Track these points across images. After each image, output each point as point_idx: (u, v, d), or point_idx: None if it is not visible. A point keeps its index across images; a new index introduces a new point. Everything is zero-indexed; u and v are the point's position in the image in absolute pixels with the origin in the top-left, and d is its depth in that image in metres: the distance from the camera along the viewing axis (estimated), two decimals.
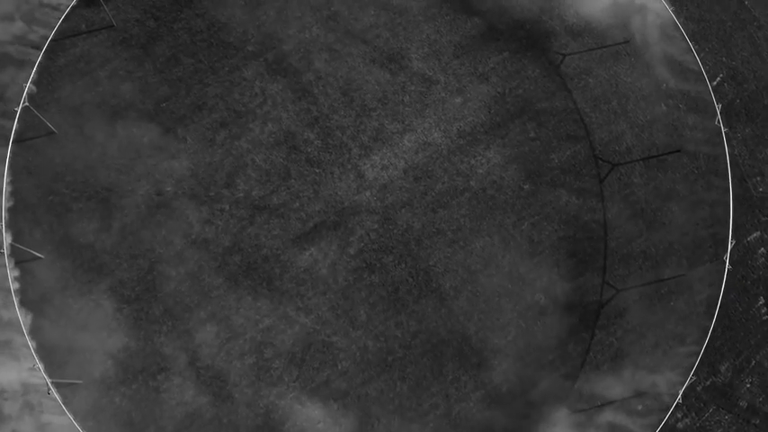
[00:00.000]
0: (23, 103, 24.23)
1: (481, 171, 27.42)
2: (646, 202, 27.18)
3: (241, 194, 26.70)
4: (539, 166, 27.56)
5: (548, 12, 28.86)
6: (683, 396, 24.13)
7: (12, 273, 24.28)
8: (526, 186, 27.32)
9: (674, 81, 28.33)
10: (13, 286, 23.92)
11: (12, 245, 24.44)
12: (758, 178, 27.27)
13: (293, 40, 28.46)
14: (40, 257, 25.16)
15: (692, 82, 28.03)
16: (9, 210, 25.12)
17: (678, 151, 27.30)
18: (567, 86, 28.44)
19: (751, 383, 25.59)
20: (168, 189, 26.44)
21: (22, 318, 23.80)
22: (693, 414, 25.30)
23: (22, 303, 24.38)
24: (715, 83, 26.91)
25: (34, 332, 24.37)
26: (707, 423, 25.35)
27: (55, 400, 22.95)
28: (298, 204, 26.81)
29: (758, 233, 26.84)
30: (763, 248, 26.70)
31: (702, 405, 25.37)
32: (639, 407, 24.76)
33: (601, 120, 28.11)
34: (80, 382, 24.18)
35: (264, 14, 28.67)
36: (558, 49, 28.81)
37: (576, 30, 28.97)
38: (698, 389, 25.52)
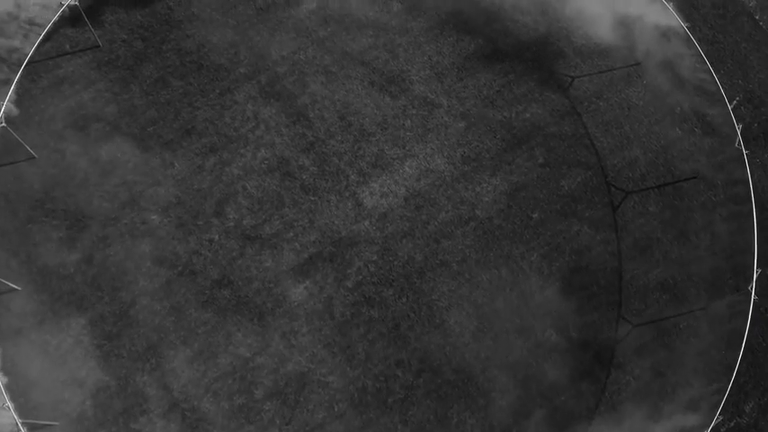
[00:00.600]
0: (0, 123, 24.18)
1: (487, 199, 27.30)
2: (662, 231, 27.03)
3: (231, 224, 26.50)
4: (548, 194, 27.47)
5: (555, 33, 29.12)
6: None
7: None
8: (535, 215, 27.17)
9: (688, 104, 28.43)
10: None
11: None
12: None
13: (287, 62, 28.59)
14: (16, 289, 24.83)
15: (707, 105, 28.13)
16: None
17: (695, 177, 27.23)
18: (577, 110, 28.51)
19: None
20: (154, 218, 26.24)
21: None
22: None
23: None
24: (731, 106, 27.01)
25: (7, 368, 23.90)
26: None
27: None
28: (292, 234, 26.60)
29: None
30: None
31: None
32: None
33: (613, 145, 28.11)
34: (56, 423, 23.65)
35: (257, 35, 28.86)
36: (566, 71, 28.96)
37: (584, 51, 29.19)
38: (721, 431, 25.09)
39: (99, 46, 27.71)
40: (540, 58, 28.98)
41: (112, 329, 24.97)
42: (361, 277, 26.02)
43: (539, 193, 27.47)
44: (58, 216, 25.79)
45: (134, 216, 26.17)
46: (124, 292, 25.32)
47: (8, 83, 25.44)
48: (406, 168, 27.54)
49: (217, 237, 26.16)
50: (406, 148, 27.76)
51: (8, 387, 23.17)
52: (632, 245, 26.68)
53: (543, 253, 26.59)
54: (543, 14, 28.88)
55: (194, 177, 26.91)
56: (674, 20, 26.39)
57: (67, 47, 27.85)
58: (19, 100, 26.33)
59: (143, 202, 26.37)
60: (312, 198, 26.94)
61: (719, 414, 23.71)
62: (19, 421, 22.08)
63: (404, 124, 28.08)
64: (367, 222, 26.74)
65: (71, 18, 28.03)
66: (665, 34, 28.30)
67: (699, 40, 28.94)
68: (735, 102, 27.29)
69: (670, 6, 26.33)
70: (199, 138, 27.43)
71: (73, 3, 25.04)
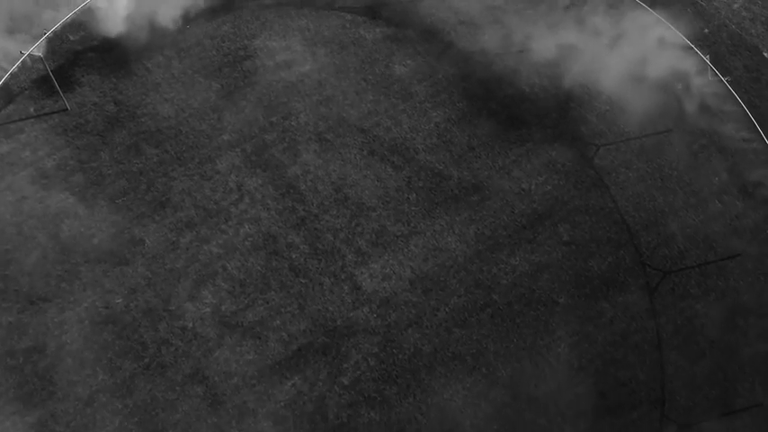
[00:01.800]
0: None
1: (505, 282, 26.65)
2: (707, 316, 26.26)
3: (208, 309, 25.68)
4: (575, 276, 26.81)
5: (576, 98, 29.29)
6: None
7: None
8: (561, 300, 26.45)
9: (727, 174, 28.20)
10: None
11: None
12: None
13: (277, 129, 28.60)
14: None
15: (749, 173, 27.94)
16: None
17: (739, 255, 26.73)
18: (604, 182, 28.32)
19: None
20: (119, 301, 25.47)
21: None
22: None
23: None
24: None
25: None
26: None
27: None
28: (278, 322, 25.74)
29: None
30: None
31: None
32: None
33: (646, 220, 27.76)
34: None
35: (243, 100, 28.98)
36: (590, 138, 28.93)
37: (609, 117, 29.29)
38: None
39: (67, 109, 27.73)
40: (561, 124, 29.01)
41: (65, 431, 23.64)
42: (359, 373, 25.00)
43: (564, 274, 26.80)
44: (9, 298, 25.01)
45: (96, 299, 25.36)
46: (81, 387, 24.20)
47: None
48: (412, 247, 27.00)
49: (191, 324, 25.30)
50: (412, 224, 27.30)
51: None
52: (674, 332, 25.84)
53: (572, 343, 25.67)
54: (562, 78, 29.01)
55: (167, 256, 26.30)
56: (709, 77, 26.50)
57: (32, 110, 27.89)
58: None
59: (107, 283, 25.64)
60: (302, 280, 26.24)
61: None
62: None
63: (408, 198, 27.75)
64: (366, 309, 25.96)
65: (38, 79, 28.20)
66: (700, 94, 28.35)
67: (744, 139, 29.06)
68: None
69: (707, 58, 26.45)
70: (174, 211, 27.00)
71: (36, 54, 25.13)
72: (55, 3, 26.83)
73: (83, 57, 28.40)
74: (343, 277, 26.33)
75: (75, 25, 27.72)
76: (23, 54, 24.57)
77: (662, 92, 28.90)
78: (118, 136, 27.60)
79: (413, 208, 27.53)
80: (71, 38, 28.84)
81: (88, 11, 26.94)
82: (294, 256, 26.54)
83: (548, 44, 28.84)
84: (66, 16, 25.91)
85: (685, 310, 26.46)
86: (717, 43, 27.32)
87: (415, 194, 27.72)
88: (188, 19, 29.24)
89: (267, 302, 25.89)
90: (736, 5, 30.99)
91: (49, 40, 28.31)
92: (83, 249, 25.93)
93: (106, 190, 26.85)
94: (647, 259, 27.15)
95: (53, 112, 27.67)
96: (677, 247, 27.34)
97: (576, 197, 28.00)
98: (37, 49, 24.92)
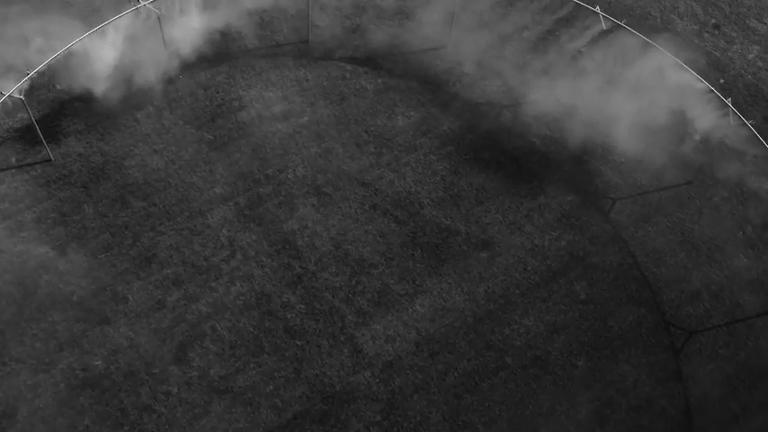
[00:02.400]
0: None
1: (519, 344, 25.62)
2: (737, 378, 25.25)
3: (195, 373, 24.45)
4: (594, 337, 25.79)
5: (589, 150, 28.77)
6: None
7: None
8: (580, 363, 25.36)
9: (752, 227, 27.48)
10: None
11: None
12: None
13: (272, 182, 27.95)
14: None
15: None
16: None
17: None
18: (622, 236, 27.60)
19: None
20: (98, 363, 24.27)
21: None
22: None
23: None
24: None
25: None
26: None
27: None
28: (272, 387, 24.52)
29: None
30: None
31: None
32: None
33: (668, 276, 26.93)
34: None
35: (238, 151, 28.42)
36: (605, 192, 28.32)
37: (625, 169, 28.76)
38: None
39: (50, 160, 27.12)
40: (574, 177, 28.44)
41: None
42: None
43: (583, 335, 25.82)
44: None
45: (73, 361, 24.17)
46: None
47: None
48: (417, 307, 26.02)
49: (176, 389, 24.04)
50: (417, 282, 26.38)
51: None
52: (702, 396, 24.77)
53: (593, 409, 24.53)
54: (574, 129, 28.57)
55: (152, 315, 25.25)
56: (731, 121, 25.99)
57: (13, 160, 27.28)
58: None
59: (86, 343, 24.53)
60: (298, 343, 25.14)
61: None
62: None
63: (413, 254, 26.94)
64: (368, 373, 24.83)
65: (21, 128, 27.71)
66: (722, 142, 27.90)
67: (755, 156, 28.57)
68: None
69: (729, 102, 25.96)
70: (160, 268, 26.08)
71: (17, 96, 24.59)
72: (41, 45, 26.35)
73: (69, 106, 27.90)
74: (342, 339, 25.25)
75: (61, 72, 27.13)
76: (4, 95, 23.97)
77: (680, 141, 28.39)
78: (103, 188, 26.85)
79: (418, 265, 26.65)
80: (57, 87, 28.25)
81: (74, 57, 26.45)
82: (290, 317, 25.53)
83: (558, 94, 28.49)
84: (51, 57, 25.39)
85: (714, 373, 25.44)
86: (734, 93, 26.91)
87: (420, 251, 26.87)
88: (180, 69, 28.74)
89: (260, 366, 24.72)
90: (750, 56, 30.86)
91: (34, 88, 27.89)
92: (61, 307, 24.86)
93: (88, 244, 25.90)
94: (671, 318, 26.19)
95: (35, 163, 27.03)
96: (702, 306, 26.44)
97: (592, 253, 27.17)
98: (18, 91, 24.33)
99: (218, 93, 29.36)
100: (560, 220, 27.78)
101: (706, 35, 31.72)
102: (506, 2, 31.29)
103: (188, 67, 29.52)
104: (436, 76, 30.33)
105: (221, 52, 30.16)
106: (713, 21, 32.09)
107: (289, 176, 28.09)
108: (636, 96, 27.94)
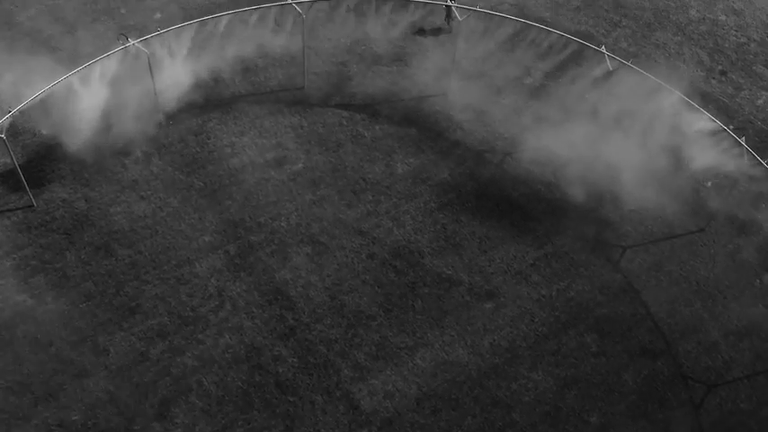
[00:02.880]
0: None
1: (528, 399, 24.45)
2: None
3: (179, 430, 23.19)
4: (608, 392, 24.65)
5: (596, 198, 28.03)
6: None
7: None
8: (593, 419, 24.19)
9: None
10: None
11: None
12: None
13: (265, 230, 27.13)
14: None
15: None
16: None
17: None
18: (634, 286, 26.63)
19: None
20: (75, 418, 23.03)
21: None
22: None
23: None
24: None
25: None
26: None
27: None
28: None
29: None
30: None
31: None
32: None
33: (683, 327, 25.94)
34: None
35: (229, 199, 27.69)
36: (615, 240, 27.49)
37: (635, 217, 27.99)
38: None
39: (33, 206, 26.35)
40: (582, 225, 27.65)
41: None
42: None
43: (595, 390, 24.65)
44: None
45: (48, 416, 22.96)
46: None
47: None
48: (418, 361, 24.92)
49: None
50: (417, 334, 25.33)
51: None
52: None
53: None
54: (581, 175, 27.88)
55: (134, 368, 24.12)
56: (745, 161, 25.31)
57: None
58: None
59: (63, 397, 23.31)
60: (290, 398, 23.96)
61: None
62: None
63: (413, 305, 25.95)
64: (366, 431, 23.38)
65: (4, 173, 27.07)
66: (735, 186, 27.22)
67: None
68: None
69: (743, 140, 25.31)
70: (144, 318, 25.05)
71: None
72: (24, 86, 25.86)
73: (53, 151, 27.32)
74: (338, 395, 24.08)
75: (46, 114, 26.59)
76: None
77: (692, 185, 27.71)
78: (87, 235, 26.01)
79: (418, 317, 25.63)
80: (44, 132, 27.70)
81: (59, 99, 25.94)
82: (281, 371, 24.39)
83: (564, 140, 27.87)
84: (34, 96, 24.85)
85: (736, 428, 24.22)
86: (745, 139, 26.36)
87: (420, 302, 25.88)
88: (170, 114, 28.22)
89: (248, 423, 23.53)
90: (759, 101, 30.51)
91: (18, 132, 27.34)
92: (37, 359, 23.79)
93: (69, 293, 24.95)
94: (689, 371, 25.03)
95: (18, 209, 26.26)
96: (721, 357, 25.39)
97: (602, 304, 26.22)
98: None
99: (209, 139, 28.76)
100: (568, 270, 26.86)
101: (713, 81, 31.36)
102: (508, 46, 30.89)
103: (179, 112, 28.94)
104: (436, 123, 29.81)
105: (213, 98, 29.71)
106: (720, 67, 31.80)
107: (282, 224, 27.26)
108: (645, 139, 27.33)
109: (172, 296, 25.41)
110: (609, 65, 26.76)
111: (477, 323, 25.67)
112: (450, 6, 29.13)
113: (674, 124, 26.25)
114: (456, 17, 28.36)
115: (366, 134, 29.19)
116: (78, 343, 24.31)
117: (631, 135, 27.52)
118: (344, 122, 29.46)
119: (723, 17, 33.10)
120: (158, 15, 30.99)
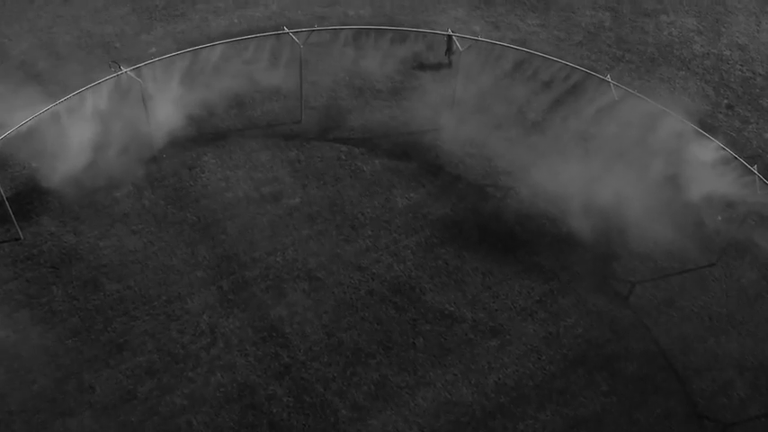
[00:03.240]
0: None
1: None
2: None
3: None
4: None
5: (605, 232, 27.41)
6: None
7: None
8: None
9: None
10: None
11: None
12: None
13: (259, 266, 26.46)
14: None
15: None
16: None
17: None
18: (644, 323, 25.87)
19: None
20: None
21: None
22: None
23: None
24: None
25: None
26: None
27: None
28: None
29: None
30: None
31: None
32: None
33: (697, 364, 25.12)
34: None
35: (223, 233, 27.08)
36: (623, 275, 26.81)
37: (643, 252, 27.33)
38: None
39: (20, 239, 25.74)
40: (589, 261, 26.97)
41: None
42: None
43: (606, 430, 23.91)
44: None
45: None
46: None
47: None
48: (419, 400, 24.09)
49: None
50: (419, 373, 24.52)
51: None
52: None
53: None
54: (587, 210, 27.31)
55: (120, 407, 23.28)
56: (757, 190, 24.75)
57: None
58: None
59: None
60: None
61: None
62: None
63: (414, 343, 25.16)
64: None
65: None
66: (746, 218, 26.67)
67: None
68: None
69: (755, 168, 24.75)
70: (133, 355, 24.25)
71: None
72: (14, 112, 25.47)
73: (42, 183, 26.68)
74: None
75: (35, 146, 26.12)
76: None
77: (701, 219, 27.15)
78: (75, 269, 25.35)
79: (420, 355, 24.84)
80: (33, 164, 27.15)
81: (47, 130, 25.51)
82: (275, 411, 23.57)
83: (570, 174, 27.34)
84: (22, 122, 24.41)
85: None
86: (752, 173, 25.86)
87: (422, 339, 25.09)
88: (164, 147, 27.76)
89: None
90: (767, 134, 30.12)
91: (7, 165, 26.83)
92: (20, 397, 23.02)
93: (55, 329, 24.25)
94: (704, 410, 24.07)
95: (4, 241, 25.71)
96: (737, 395, 24.53)
97: (612, 341, 25.43)
98: None
99: (203, 173, 28.26)
100: (576, 306, 26.12)
101: (720, 116, 31.01)
102: (510, 77, 30.58)
103: (172, 145, 28.47)
104: (437, 158, 29.36)
105: (208, 131, 29.31)
106: (726, 101, 31.50)
107: (278, 259, 26.59)
108: (653, 170, 26.83)
109: (161, 332, 24.65)
110: (614, 94, 26.36)
111: (482, 361, 24.84)
112: (452, 37, 28.83)
113: (683, 153, 25.75)
114: (458, 48, 28.05)
115: (365, 168, 28.71)
116: (63, 380, 23.50)
117: (638, 167, 26.97)
118: (343, 157, 29.00)
119: (728, 52, 32.91)
120: (153, 50, 30.75)
